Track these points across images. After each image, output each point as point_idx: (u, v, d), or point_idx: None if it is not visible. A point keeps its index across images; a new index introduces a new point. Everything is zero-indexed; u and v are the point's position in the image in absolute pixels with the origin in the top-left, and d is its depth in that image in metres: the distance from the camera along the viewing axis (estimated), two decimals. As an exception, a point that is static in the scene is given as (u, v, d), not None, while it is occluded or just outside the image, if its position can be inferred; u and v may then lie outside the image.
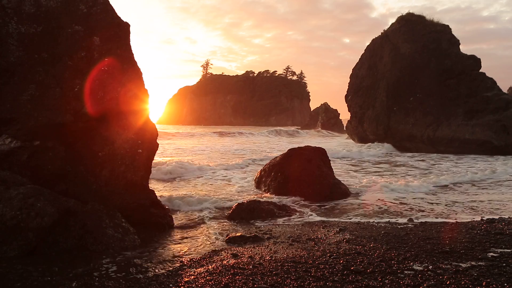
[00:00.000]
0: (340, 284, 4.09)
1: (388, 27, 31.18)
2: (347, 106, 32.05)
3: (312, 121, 75.13)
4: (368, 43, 31.98)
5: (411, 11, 30.26)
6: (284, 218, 7.58)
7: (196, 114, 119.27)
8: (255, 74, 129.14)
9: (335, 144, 32.19)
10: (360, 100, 30.60)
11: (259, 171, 11.48)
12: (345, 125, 37.15)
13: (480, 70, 26.99)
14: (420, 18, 29.46)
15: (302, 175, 10.23)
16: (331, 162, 11.26)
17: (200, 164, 15.14)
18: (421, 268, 4.53)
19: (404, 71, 28.00)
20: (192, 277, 4.36)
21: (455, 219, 7.47)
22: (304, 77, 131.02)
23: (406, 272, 4.42)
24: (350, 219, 7.62)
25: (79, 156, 6.12)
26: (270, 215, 7.62)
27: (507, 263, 4.66)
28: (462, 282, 4.07)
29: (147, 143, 6.62)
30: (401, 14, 30.64)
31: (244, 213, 7.63)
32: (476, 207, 8.80)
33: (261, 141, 37.74)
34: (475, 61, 26.98)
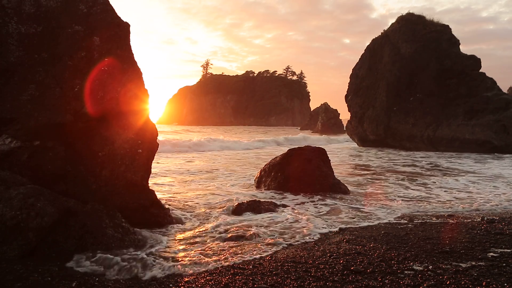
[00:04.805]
0: (340, 284, 4.09)
1: (388, 27, 31.19)
2: (347, 106, 32.05)
3: (312, 121, 75.23)
4: (368, 44, 31.99)
5: (410, 12, 30.27)
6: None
7: (196, 114, 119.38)
8: (255, 74, 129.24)
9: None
10: (360, 100, 30.61)
11: (259, 171, 11.48)
12: (345, 125, 37.13)
13: (480, 70, 27.01)
14: (420, 18, 29.46)
15: (302, 175, 10.24)
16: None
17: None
18: (421, 268, 4.53)
19: (404, 71, 28.02)
20: (192, 277, 4.36)
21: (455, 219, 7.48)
22: (304, 77, 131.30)
23: (406, 272, 4.42)
24: (351, 219, 7.61)
25: (79, 156, 6.12)
26: (270, 215, 7.60)
27: (507, 263, 4.66)
28: (462, 282, 4.07)
29: (147, 143, 6.62)
30: (401, 15, 30.67)
31: (244, 213, 7.63)
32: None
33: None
34: (475, 61, 27.00)
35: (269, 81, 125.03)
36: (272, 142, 33.12)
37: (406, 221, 7.28)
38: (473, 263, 4.71)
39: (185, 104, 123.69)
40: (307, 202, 8.94)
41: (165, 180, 12.09)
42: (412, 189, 11.19)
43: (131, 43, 6.71)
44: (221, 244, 5.74)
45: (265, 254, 5.23)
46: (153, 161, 6.94)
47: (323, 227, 6.75)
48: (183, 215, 7.40)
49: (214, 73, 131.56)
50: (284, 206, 8.37)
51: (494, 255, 5.02)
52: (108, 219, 5.59)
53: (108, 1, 6.56)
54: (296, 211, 8.00)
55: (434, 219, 7.54)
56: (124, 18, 6.67)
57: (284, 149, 12.03)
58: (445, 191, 10.87)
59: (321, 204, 8.75)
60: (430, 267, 4.57)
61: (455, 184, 12.08)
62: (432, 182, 12.37)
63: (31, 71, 5.85)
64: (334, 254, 5.09)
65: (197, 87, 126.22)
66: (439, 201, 9.48)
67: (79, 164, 6.10)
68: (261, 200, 8.47)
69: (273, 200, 8.84)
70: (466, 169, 16.29)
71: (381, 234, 6.21)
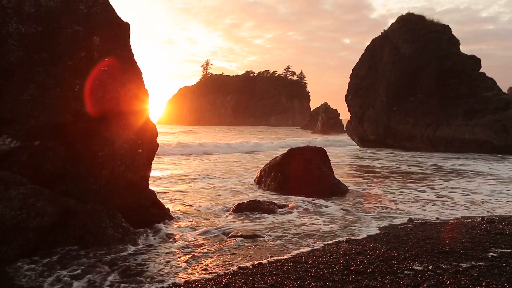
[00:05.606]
0: (340, 284, 4.09)
1: (388, 27, 31.16)
2: (347, 106, 32.02)
3: (312, 121, 75.18)
4: (368, 44, 31.94)
5: (410, 12, 30.23)
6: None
7: (196, 114, 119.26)
8: (255, 74, 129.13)
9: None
10: (360, 100, 30.60)
11: (259, 171, 11.48)
12: (345, 125, 37.11)
13: (480, 70, 26.99)
14: (420, 18, 29.42)
15: (302, 175, 10.23)
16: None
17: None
18: (421, 268, 4.53)
19: (404, 71, 28.00)
20: (192, 277, 4.36)
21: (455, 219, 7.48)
22: (304, 77, 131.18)
23: (406, 272, 4.42)
24: (349, 219, 7.61)
25: (79, 156, 6.12)
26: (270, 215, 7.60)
27: (507, 263, 4.66)
28: (462, 282, 4.07)
29: (147, 143, 6.63)
30: (401, 15, 30.63)
31: (244, 212, 7.63)
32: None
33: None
34: (475, 61, 26.98)
35: (269, 81, 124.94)
36: (276, 144, 32.79)
37: (406, 221, 7.28)
38: (473, 263, 4.71)
39: (185, 104, 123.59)
40: (307, 202, 8.93)
41: (166, 180, 12.09)
42: (418, 190, 11.11)
43: (131, 43, 6.72)
44: (221, 243, 5.74)
45: (264, 253, 5.23)
46: (153, 161, 6.95)
47: (322, 227, 6.75)
48: (183, 215, 7.41)
49: (214, 73, 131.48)
50: (284, 206, 8.37)
51: (494, 255, 5.02)
52: (108, 219, 5.60)
53: (108, 1, 6.56)
54: (295, 211, 8.01)
55: (434, 219, 7.54)
56: (124, 18, 6.68)
57: (284, 150, 11.98)
58: (457, 194, 10.58)
59: (321, 205, 8.75)
60: (430, 267, 4.57)
61: (466, 187, 11.69)
62: (439, 184, 12.15)
63: (31, 71, 5.86)
64: (334, 254, 5.09)
65: (197, 87, 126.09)
66: (447, 205, 9.12)
67: (79, 164, 6.10)
68: (261, 200, 8.47)
69: (273, 200, 8.84)
70: (471, 170, 16.17)
71: (381, 234, 6.21)
